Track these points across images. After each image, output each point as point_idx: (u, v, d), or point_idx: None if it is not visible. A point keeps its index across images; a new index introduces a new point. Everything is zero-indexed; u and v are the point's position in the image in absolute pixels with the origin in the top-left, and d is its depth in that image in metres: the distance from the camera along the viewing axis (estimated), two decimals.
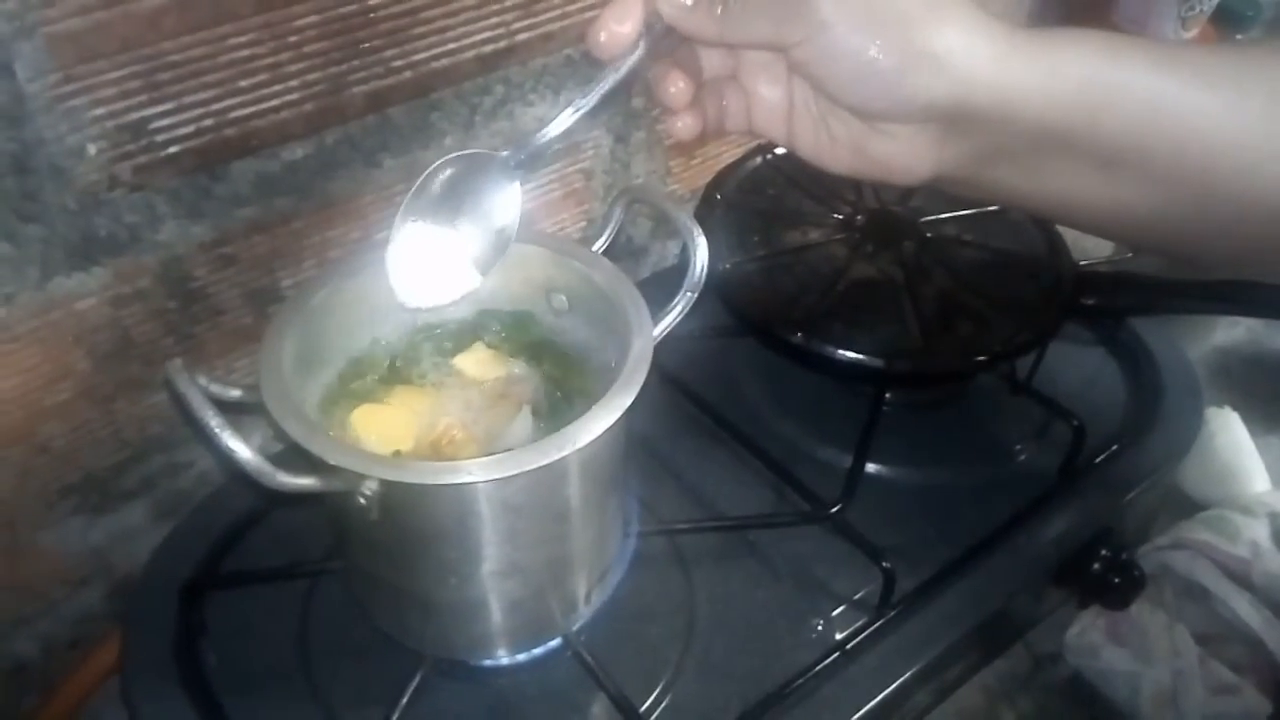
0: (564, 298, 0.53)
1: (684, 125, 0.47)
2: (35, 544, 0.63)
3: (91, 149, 0.52)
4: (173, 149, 0.55)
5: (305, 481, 0.41)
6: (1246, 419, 0.83)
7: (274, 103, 0.57)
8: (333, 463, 0.41)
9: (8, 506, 0.60)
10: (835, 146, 0.45)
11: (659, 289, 0.50)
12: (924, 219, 0.70)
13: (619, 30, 0.43)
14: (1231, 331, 0.96)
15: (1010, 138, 0.42)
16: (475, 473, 0.41)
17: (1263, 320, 0.96)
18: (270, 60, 0.56)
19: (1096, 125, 0.42)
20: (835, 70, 0.41)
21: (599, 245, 0.52)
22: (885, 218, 0.70)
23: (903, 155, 0.43)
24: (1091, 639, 0.69)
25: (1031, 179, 0.45)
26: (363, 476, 0.41)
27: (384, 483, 0.41)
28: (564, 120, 0.44)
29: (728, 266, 0.66)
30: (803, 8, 0.40)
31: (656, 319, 0.49)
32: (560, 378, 0.52)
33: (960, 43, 0.40)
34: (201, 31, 0.52)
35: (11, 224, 0.51)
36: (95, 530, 0.65)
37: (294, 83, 0.57)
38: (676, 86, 0.46)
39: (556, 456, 0.41)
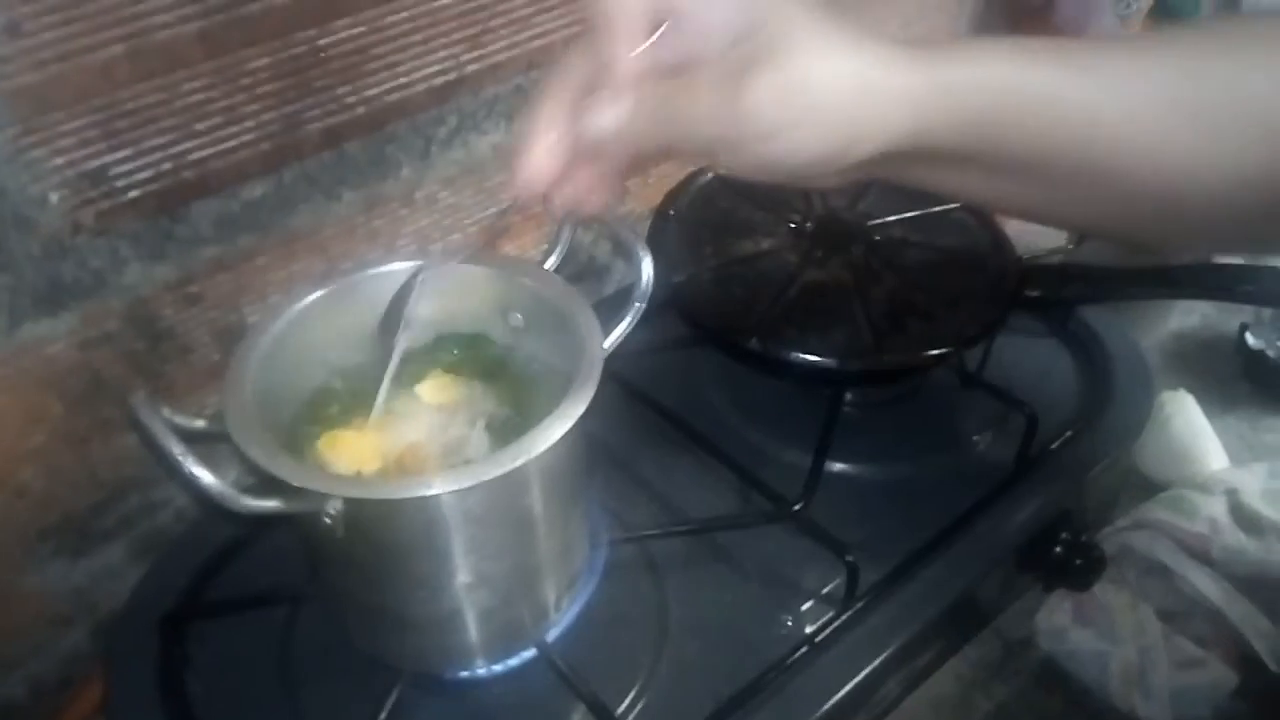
0: (520, 316, 0.55)
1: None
2: (18, 587, 0.64)
3: (54, 197, 0.54)
4: (133, 193, 0.57)
5: (269, 504, 0.42)
6: (1202, 401, 0.85)
7: (231, 143, 0.59)
8: (296, 484, 0.42)
9: None
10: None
11: (624, 305, 0.52)
12: (871, 222, 0.72)
13: (545, 165, 0.42)
14: (1186, 317, 0.99)
15: (920, 157, 0.43)
16: (435, 485, 0.42)
17: (1216, 305, 0.98)
18: (225, 103, 0.58)
19: (1001, 141, 0.42)
20: (771, 169, 0.42)
21: (550, 263, 0.54)
22: (834, 224, 0.72)
23: (815, 181, 0.45)
24: (1059, 622, 0.70)
25: (947, 182, 0.47)
26: (326, 496, 0.42)
27: (347, 501, 0.43)
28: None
29: (682, 279, 0.68)
30: (744, 119, 0.39)
31: (609, 330, 0.50)
32: (519, 393, 0.54)
33: (890, 111, 0.41)
34: (155, 79, 0.54)
35: None
36: (76, 571, 0.66)
37: (249, 123, 0.59)
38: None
39: (512, 466, 0.43)
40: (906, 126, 0.41)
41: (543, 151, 0.41)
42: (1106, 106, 0.42)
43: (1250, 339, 0.91)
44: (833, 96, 0.39)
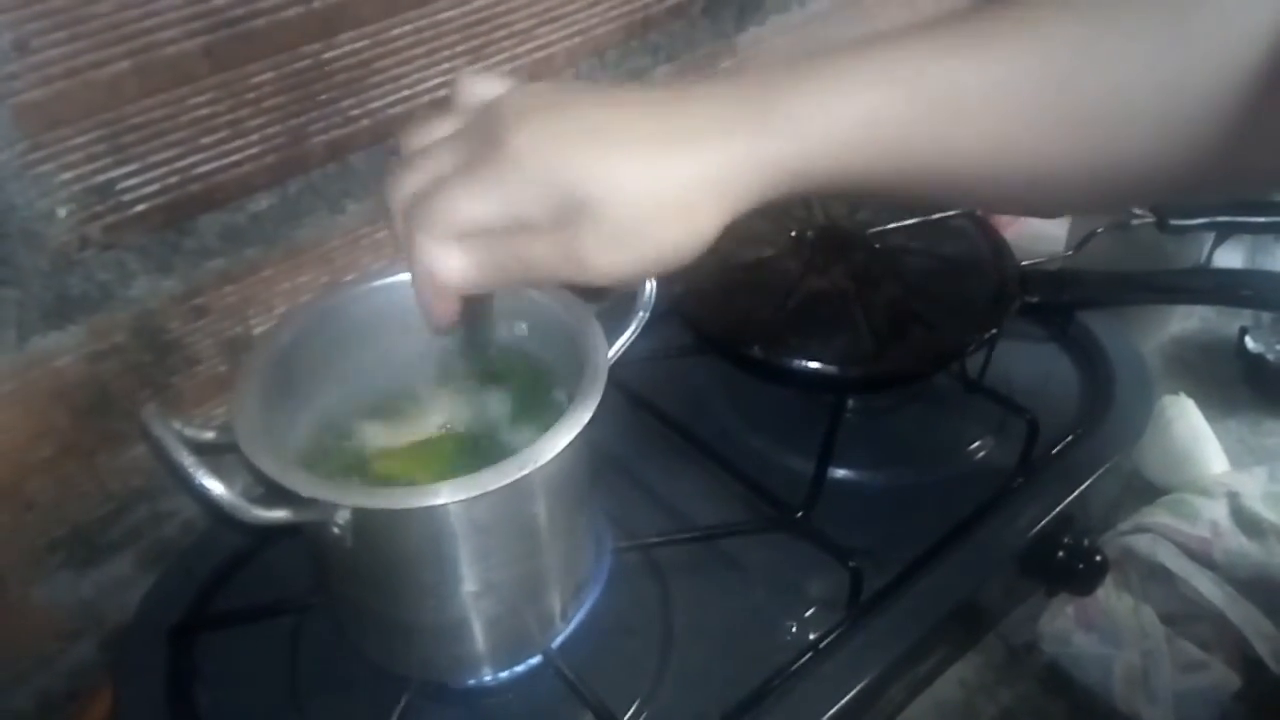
0: (524, 325, 0.55)
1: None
2: (27, 600, 0.64)
3: (61, 212, 0.54)
4: (140, 207, 0.57)
5: (279, 514, 0.42)
6: (1202, 404, 0.86)
7: (236, 157, 0.59)
8: (305, 494, 0.43)
9: None
10: None
11: (627, 313, 0.52)
12: (872, 230, 0.73)
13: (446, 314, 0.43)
14: (1186, 322, 0.99)
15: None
16: (442, 495, 0.43)
17: (1215, 309, 0.99)
18: (230, 117, 0.58)
19: (847, 179, 0.42)
20: (627, 283, 0.43)
21: None
22: (834, 232, 0.73)
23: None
24: (1062, 626, 0.71)
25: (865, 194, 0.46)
26: (334, 506, 0.43)
27: (355, 511, 0.43)
28: None
29: (685, 288, 0.69)
30: (585, 268, 0.40)
31: (613, 340, 0.51)
32: (526, 401, 0.54)
33: (724, 198, 0.40)
34: (161, 94, 0.55)
35: None
36: (84, 583, 0.66)
37: (254, 137, 0.60)
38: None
39: (518, 475, 0.43)
40: (750, 197, 0.41)
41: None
42: (962, 129, 0.41)
43: (1250, 343, 0.92)
44: (662, 217, 0.40)
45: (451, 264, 0.40)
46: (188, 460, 0.40)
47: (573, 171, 0.39)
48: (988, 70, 0.40)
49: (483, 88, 0.43)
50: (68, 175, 0.53)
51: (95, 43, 0.51)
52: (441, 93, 0.67)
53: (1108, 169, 0.42)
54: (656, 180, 0.39)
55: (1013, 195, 0.46)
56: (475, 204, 0.39)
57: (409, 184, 0.41)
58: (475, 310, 0.45)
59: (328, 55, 0.60)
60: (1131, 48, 0.39)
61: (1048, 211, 0.50)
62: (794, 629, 0.60)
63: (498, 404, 0.55)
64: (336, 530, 0.44)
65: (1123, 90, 0.39)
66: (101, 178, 0.55)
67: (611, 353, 0.50)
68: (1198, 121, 0.39)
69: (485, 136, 0.40)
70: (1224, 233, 0.94)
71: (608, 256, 0.40)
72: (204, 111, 0.57)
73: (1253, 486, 0.76)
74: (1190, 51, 0.39)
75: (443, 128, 0.42)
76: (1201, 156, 0.40)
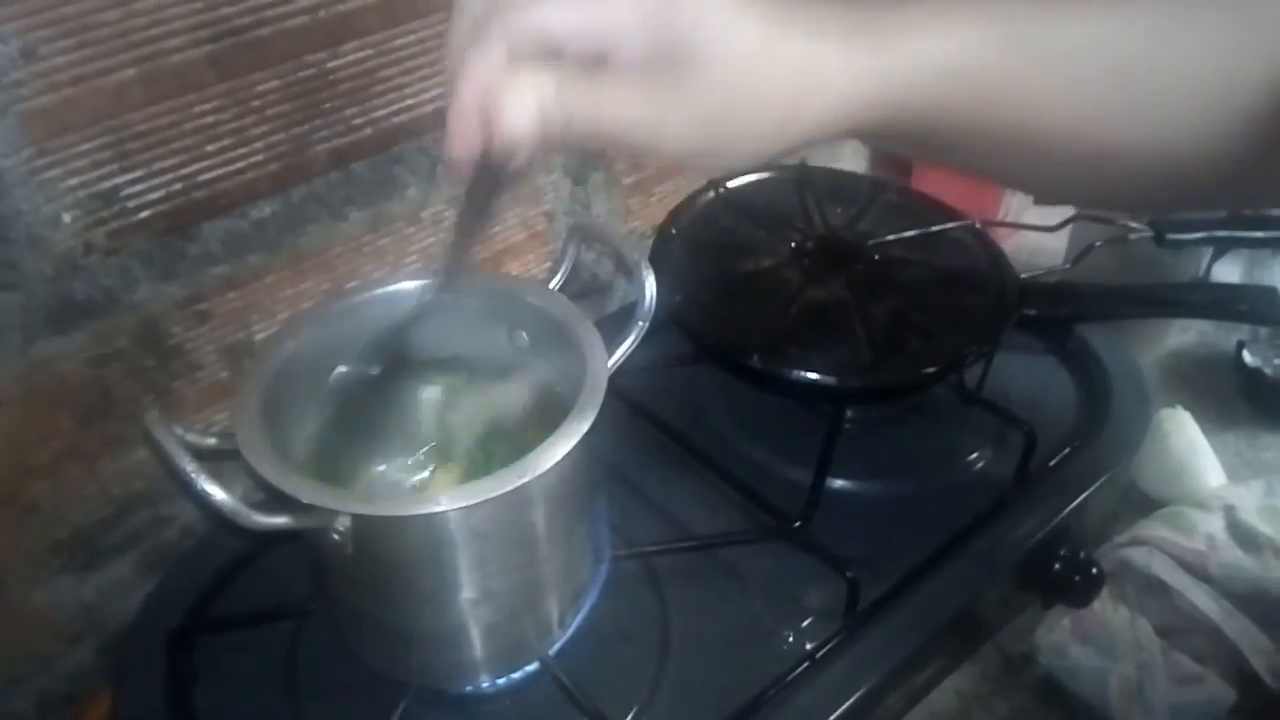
0: (525, 335, 0.55)
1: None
2: (28, 602, 0.64)
3: (67, 218, 0.55)
4: (144, 213, 0.58)
5: (280, 520, 0.43)
6: (1200, 418, 0.86)
7: (240, 164, 0.60)
8: (306, 501, 0.43)
9: (1, 565, 0.62)
10: None
11: (627, 322, 0.53)
12: (871, 242, 0.73)
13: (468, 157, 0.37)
14: (1184, 335, 0.99)
15: (858, 135, 0.42)
16: (441, 502, 0.43)
17: (1213, 323, 0.99)
18: (234, 125, 0.59)
19: (943, 123, 0.41)
20: (702, 164, 0.40)
21: (555, 282, 0.55)
22: (834, 243, 0.73)
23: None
24: (1058, 638, 0.71)
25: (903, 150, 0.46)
26: (334, 513, 0.43)
27: (355, 518, 0.44)
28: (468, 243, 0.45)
29: (685, 297, 0.69)
30: (672, 128, 0.37)
31: (612, 349, 0.51)
32: (523, 409, 0.55)
33: (820, 104, 0.39)
34: (167, 101, 0.55)
35: None
36: (85, 586, 0.66)
37: (259, 144, 0.60)
38: None
39: (518, 484, 0.43)
40: (838, 118, 0.39)
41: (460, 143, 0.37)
42: (1048, 84, 0.41)
43: (1247, 356, 0.92)
44: (764, 96, 0.37)
45: (514, 97, 0.34)
46: (189, 466, 0.40)
47: (691, 14, 0.35)
48: (1071, 29, 0.41)
49: None
50: (73, 181, 0.54)
51: (102, 50, 0.52)
52: (445, 102, 0.67)
53: (1163, 149, 0.42)
54: (773, 51, 0.37)
55: (1073, 167, 0.45)
56: (568, 14, 0.35)
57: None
58: (495, 174, 0.38)
59: (332, 65, 0.61)
60: (1200, 29, 0.40)
61: (1093, 191, 0.49)
62: (791, 638, 0.60)
63: (498, 410, 0.55)
64: (336, 537, 0.44)
65: (1188, 69, 0.40)
66: (107, 184, 0.55)
67: (611, 362, 0.50)
68: (1253, 110, 0.40)
69: None
70: (1222, 247, 0.94)
71: (694, 128, 0.37)
72: (209, 119, 0.57)
73: (1249, 500, 0.76)
74: (1251, 40, 0.40)
75: None
76: (1252, 148, 0.41)
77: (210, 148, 0.58)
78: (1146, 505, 0.80)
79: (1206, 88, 0.41)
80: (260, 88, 0.59)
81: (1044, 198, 0.56)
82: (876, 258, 0.72)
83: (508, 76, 0.35)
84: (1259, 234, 0.75)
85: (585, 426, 0.46)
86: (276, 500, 0.43)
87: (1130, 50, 0.41)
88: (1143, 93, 0.41)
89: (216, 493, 0.40)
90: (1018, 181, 0.49)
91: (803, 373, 0.64)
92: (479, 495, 0.43)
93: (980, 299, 0.69)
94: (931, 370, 0.65)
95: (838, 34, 0.39)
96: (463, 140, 0.36)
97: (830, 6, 0.40)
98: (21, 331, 0.56)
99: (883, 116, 0.40)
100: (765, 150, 0.39)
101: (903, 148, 0.45)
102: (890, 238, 0.73)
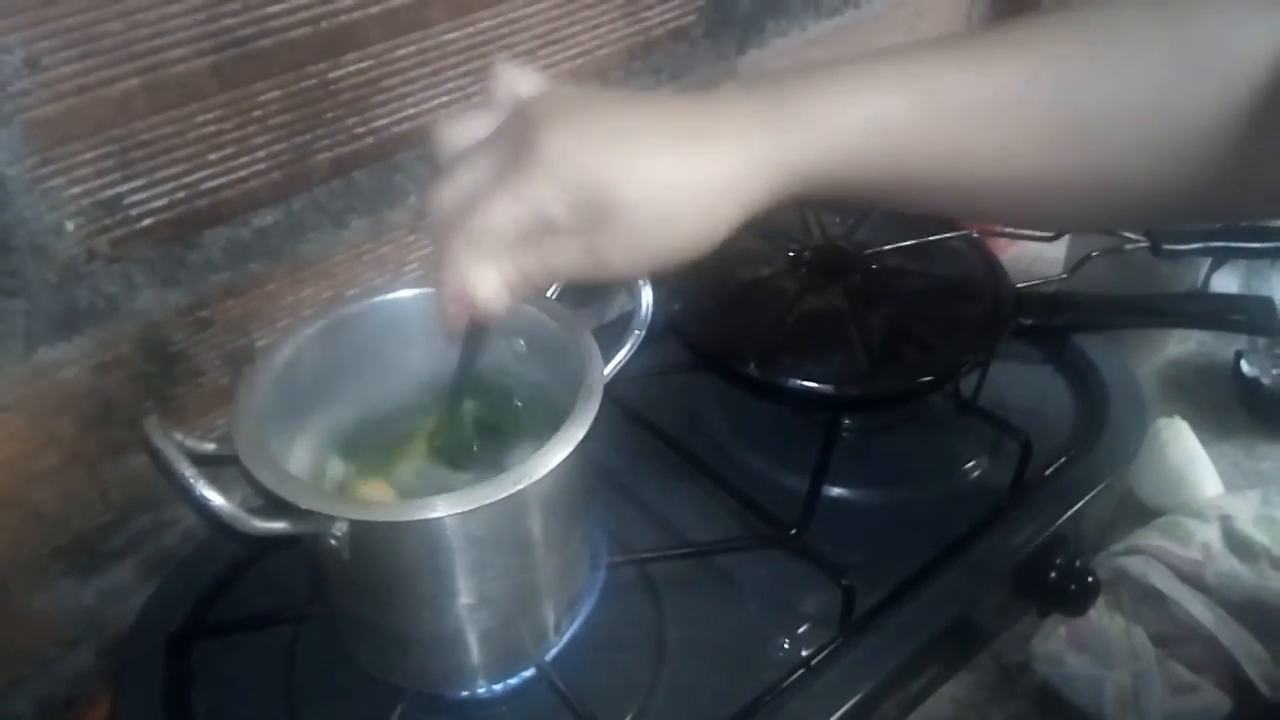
0: (522, 342, 0.56)
1: None
2: (29, 606, 0.65)
3: (70, 225, 0.55)
4: (147, 221, 0.58)
5: (277, 525, 0.43)
6: (1198, 428, 0.86)
7: (242, 173, 0.61)
8: (303, 506, 0.43)
9: (3, 569, 0.62)
10: None
11: (625, 331, 0.54)
12: (869, 251, 0.74)
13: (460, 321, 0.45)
14: (1182, 345, 1.00)
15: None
16: (438, 508, 0.43)
17: (1211, 333, 0.99)
18: (236, 134, 0.59)
19: (861, 182, 0.43)
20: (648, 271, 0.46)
21: (552, 291, 0.55)
22: (832, 252, 0.74)
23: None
24: (1054, 646, 0.71)
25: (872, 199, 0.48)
26: (332, 518, 0.44)
27: (353, 523, 0.44)
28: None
29: (683, 306, 0.69)
30: (611, 264, 0.42)
31: (609, 357, 0.52)
32: (520, 418, 0.55)
33: (742, 193, 0.42)
34: (170, 111, 0.56)
35: None
36: (86, 590, 0.67)
37: (260, 153, 0.61)
38: None
39: (513, 490, 0.44)
40: (759, 199, 0.42)
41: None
42: (973, 135, 0.42)
43: (1245, 366, 0.92)
44: (679, 214, 0.41)
45: (483, 286, 0.42)
46: (188, 471, 0.40)
47: (599, 173, 0.40)
48: (995, 81, 0.42)
49: (516, 81, 0.44)
50: (76, 190, 0.55)
51: (106, 60, 0.52)
52: (445, 112, 0.68)
53: (1107, 185, 0.43)
54: (679, 180, 0.41)
55: (1014, 207, 0.47)
56: (508, 214, 0.41)
57: (448, 196, 0.42)
58: (479, 325, 0.48)
59: (333, 75, 0.61)
60: (1133, 67, 0.41)
61: (1049, 225, 0.52)
62: (786, 645, 0.60)
63: (492, 419, 0.55)
64: (334, 542, 0.45)
65: (1124, 107, 0.41)
66: (109, 192, 0.56)
67: (607, 370, 0.51)
68: (1196, 142, 0.41)
69: (516, 143, 0.41)
70: (1220, 258, 0.95)
71: (629, 253, 0.42)
72: (211, 128, 0.58)
73: (1245, 510, 0.76)
74: (1189, 74, 0.40)
75: (475, 123, 0.44)
76: (1199, 178, 0.42)
77: (212, 156, 0.59)
78: (1144, 514, 0.80)
79: (1145, 123, 0.41)
80: (262, 97, 0.59)
81: (992, 224, 0.57)
82: (873, 267, 0.73)
83: (472, 269, 0.42)
84: (1255, 245, 0.76)
85: (580, 434, 0.46)
86: (275, 505, 0.44)
87: (1056, 97, 0.41)
88: (1075, 134, 0.42)
89: (215, 498, 0.41)
90: (959, 214, 0.50)
91: (799, 381, 0.65)
92: (475, 501, 0.43)
93: (976, 308, 0.70)
94: (927, 379, 0.66)
95: (740, 130, 0.42)
96: (454, 318, 0.44)
97: (734, 99, 0.43)
98: (25, 338, 0.56)
99: (807, 187, 0.43)
100: (701, 245, 0.43)
101: (834, 201, 0.47)
102: (887, 247, 0.74)
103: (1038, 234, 0.86)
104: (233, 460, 0.46)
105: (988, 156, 0.43)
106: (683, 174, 0.41)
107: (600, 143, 0.40)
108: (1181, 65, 0.40)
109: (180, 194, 0.59)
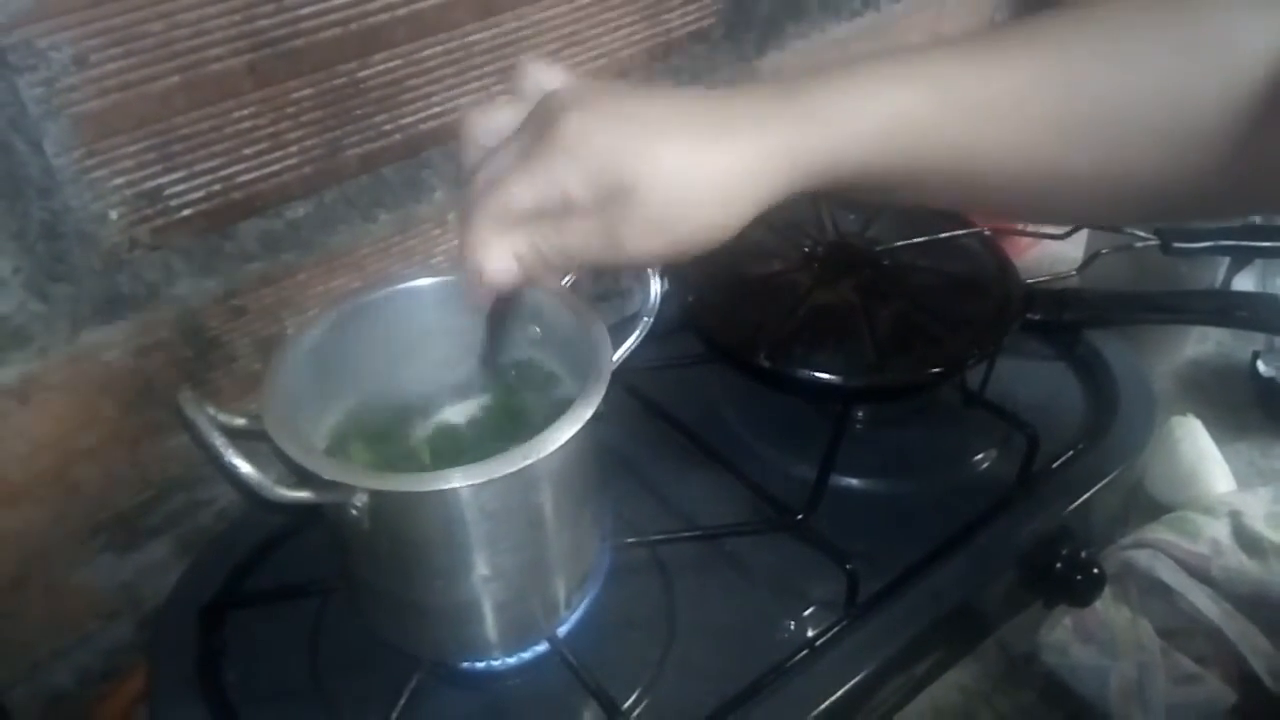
0: (538, 329, 0.58)
1: None
2: (70, 580, 0.68)
3: (113, 215, 0.58)
4: (186, 212, 0.61)
5: (301, 495, 0.45)
6: (1214, 426, 0.87)
7: (276, 167, 0.63)
8: (327, 478, 0.46)
9: (45, 545, 0.65)
10: None
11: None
12: (880, 248, 0.75)
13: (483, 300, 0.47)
14: (1200, 345, 1.00)
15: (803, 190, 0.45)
16: (453, 480, 0.46)
17: (1230, 333, 1.00)
18: (271, 130, 0.62)
19: (880, 177, 0.44)
20: (662, 262, 0.46)
21: (567, 280, 0.58)
22: (844, 248, 0.75)
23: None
24: (1060, 637, 0.72)
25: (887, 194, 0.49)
26: (353, 489, 0.46)
27: (372, 494, 0.47)
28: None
29: (697, 299, 0.71)
30: (626, 250, 0.43)
31: (619, 343, 0.54)
32: (536, 399, 0.58)
33: (760, 185, 0.43)
34: (208, 107, 0.59)
35: (44, 285, 0.58)
36: (124, 566, 0.70)
37: (293, 148, 0.64)
38: None
39: (524, 464, 0.46)
40: (775, 192, 0.43)
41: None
42: (985, 130, 0.43)
43: (1262, 366, 0.93)
44: (697, 203, 0.42)
45: (494, 258, 0.44)
46: (218, 441, 0.43)
47: (619, 156, 0.41)
48: (1010, 76, 0.43)
49: (542, 76, 0.46)
50: (120, 181, 0.58)
51: (148, 59, 0.55)
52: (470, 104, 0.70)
53: (1116, 179, 0.45)
54: (697, 167, 0.42)
55: (1026, 200, 0.48)
56: (526, 191, 0.42)
57: (477, 179, 0.44)
58: (503, 305, 0.50)
59: (363, 74, 0.64)
60: (1143, 63, 0.42)
61: (1059, 219, 0.53)
62: (792, 627, 0.62)
63: (511, 403, 0.58)
64: (355, 512, 0.47)
65: (1133, 102, 0.42)
66: (151, 184, 0.59)
67: (617, 355, 0.53)
68: (1202, 137, 0.42)
69: (539, 128, 0.42)
70: (1240, 258, 0.95)
71: (645, 239, 0.42)
72: (247, 124, 0.61)
73: (1256, 506, 0.77)
74: (1196, 70, 0.42)
75: (502, 115, 0.45)
76: (1206, 173, 0.43)
77: (248, 151, 0.62)
78: (1155, 510, 0.81)
79: (1154, 117, 0.42)
80: (295, 95, 0.62)
81: (1005, 218, 0.58)
82: (885, 263, 0.74)
83: (489, 244, 0.44)
84: (1268, 244, 0.76)
85: (589, 412, 0.48)
86: (299, 477, 0.46)
87: (1070, 92, 0.43)
88: (1087, 129, 0.43)
89: (243, 466, 0.43)
90: (971, 208, 0.52)
91: (810, 372, 0.67)
92: (487, 474, 0.46)
93: (985, 304, 0.71)
94: (934, 371, 0.67)
95: (759, 125, 0.43)
96: (472, 294, 0.46)
97: (757, 95, 0.44)
98: (70, 321, 0.60)
99: (823, 180, 0.44)
100: (715, 235, 0.44)
101: (849, 195, 0.48)
102: (899, 244, 0.75)
103: (1053, 232, 0.87)
104: (261, 435, 0.48)
105: (1001, 150, 0.44)
106: (700, 161, 0.42)
107: (621, 127, 0.42)
108: (1187, 62, 0.42)
109: (217, 186, 0.61)
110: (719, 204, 0.43)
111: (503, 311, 0.53)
